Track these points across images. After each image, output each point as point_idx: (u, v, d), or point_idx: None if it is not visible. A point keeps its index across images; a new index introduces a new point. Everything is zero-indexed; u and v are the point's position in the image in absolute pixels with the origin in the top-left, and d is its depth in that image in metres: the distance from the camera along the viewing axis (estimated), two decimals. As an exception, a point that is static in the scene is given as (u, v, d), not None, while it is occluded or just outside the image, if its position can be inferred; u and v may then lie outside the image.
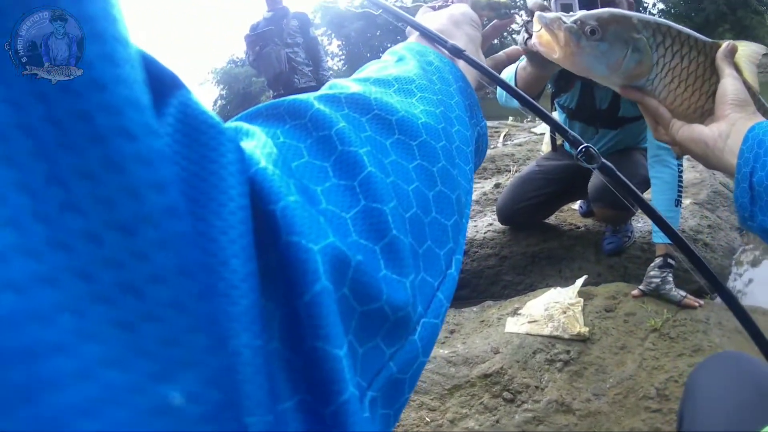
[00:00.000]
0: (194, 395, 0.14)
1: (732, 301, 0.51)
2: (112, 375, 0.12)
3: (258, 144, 0.23)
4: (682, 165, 1.80)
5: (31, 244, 0.12)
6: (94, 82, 0.14)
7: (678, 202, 1.79)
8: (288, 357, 0.20)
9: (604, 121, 2.01)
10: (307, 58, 4.12)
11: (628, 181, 0.50)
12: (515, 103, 1.81)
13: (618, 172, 0.50)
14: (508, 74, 1.69)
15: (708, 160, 0.60)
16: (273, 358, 0.19)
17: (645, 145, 1.96)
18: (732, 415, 0.64)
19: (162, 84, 0.19)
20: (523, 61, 1.61)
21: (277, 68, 3.98)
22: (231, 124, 0.27)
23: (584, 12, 0.61)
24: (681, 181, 1.79)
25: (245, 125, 0.26)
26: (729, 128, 0.57)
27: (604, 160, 0.49)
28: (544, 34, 0.62)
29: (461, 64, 0.45)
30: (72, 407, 0.11)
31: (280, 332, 0.20)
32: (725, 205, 2.62)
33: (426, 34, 0.45)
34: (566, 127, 0.49)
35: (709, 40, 0.63)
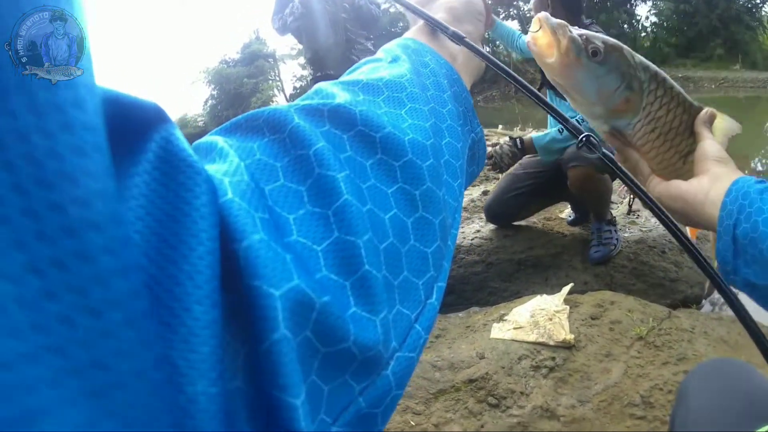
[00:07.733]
0: None
1: (731, 296, 0.50)
2: None
3: (229, 169, 0.23)
4: None
5: (15, 326, 0.13)
6: (66, 176, 0.15)
7: None
8: (251, 396, 0.20)
9: None
10: (364, 29, 3.07)
11: (628, 173, 0.49)
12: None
13: (618, 163, 0.49)
14: None
15: (687, 216, 0.58)
16: (236, 396, 0.20)
17: None
18: (722, 421, 0.64)
19: (145, 120, 0.20)
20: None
21: (331, 37, 2.87)
22: (207, 138, 0.27)
23: (591, 32, 0.60)
24: None
25: (221, 141, 0.25)
26: (711, 182, 0.56)
27: (604, 150, 0.48)
28: (542, 37, 0.59)
29: (460, 56, 0.43)
30: None
31: (244, 372, 0.20)
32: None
33: (427, 20, 0.43)
34: (566, 115, 0.48)
35: (695, 102, 0.63)
